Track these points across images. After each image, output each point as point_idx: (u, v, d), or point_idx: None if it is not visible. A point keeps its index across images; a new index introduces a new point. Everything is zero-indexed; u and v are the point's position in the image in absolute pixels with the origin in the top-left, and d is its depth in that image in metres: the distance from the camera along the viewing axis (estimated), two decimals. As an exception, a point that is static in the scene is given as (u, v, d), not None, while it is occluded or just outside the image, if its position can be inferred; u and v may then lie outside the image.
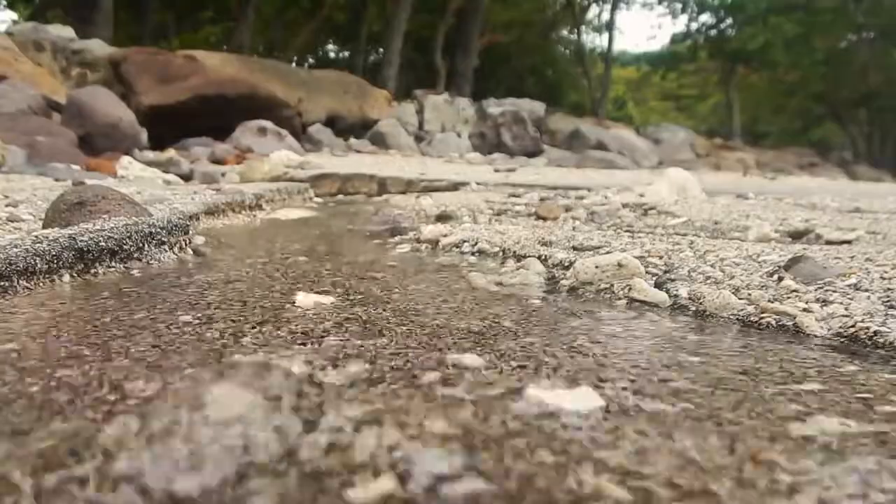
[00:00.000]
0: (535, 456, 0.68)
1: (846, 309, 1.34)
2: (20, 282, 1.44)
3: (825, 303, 1.39)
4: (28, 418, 0.74)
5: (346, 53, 30.06)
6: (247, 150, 9.72)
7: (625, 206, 4.14)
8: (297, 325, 1.21)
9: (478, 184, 6.66)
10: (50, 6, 21.53)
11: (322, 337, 1.13)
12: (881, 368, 1.06)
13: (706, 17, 32.41)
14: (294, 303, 1.41)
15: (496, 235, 2.44)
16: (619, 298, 1.56)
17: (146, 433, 0.69)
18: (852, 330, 1.24)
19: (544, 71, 32.65)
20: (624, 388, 0.91)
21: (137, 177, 5.55)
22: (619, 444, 0.72)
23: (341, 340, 1.12)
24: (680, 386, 0.93)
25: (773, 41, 28.27)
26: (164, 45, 19.93)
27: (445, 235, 2.47)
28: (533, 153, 15.97)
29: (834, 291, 1.45)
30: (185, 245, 2.08)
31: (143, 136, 8.72)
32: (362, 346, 1.08)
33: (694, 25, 33.01)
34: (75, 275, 1.61)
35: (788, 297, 1.44)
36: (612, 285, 1.62)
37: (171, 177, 5.83)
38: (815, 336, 1.25)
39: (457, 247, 2.34)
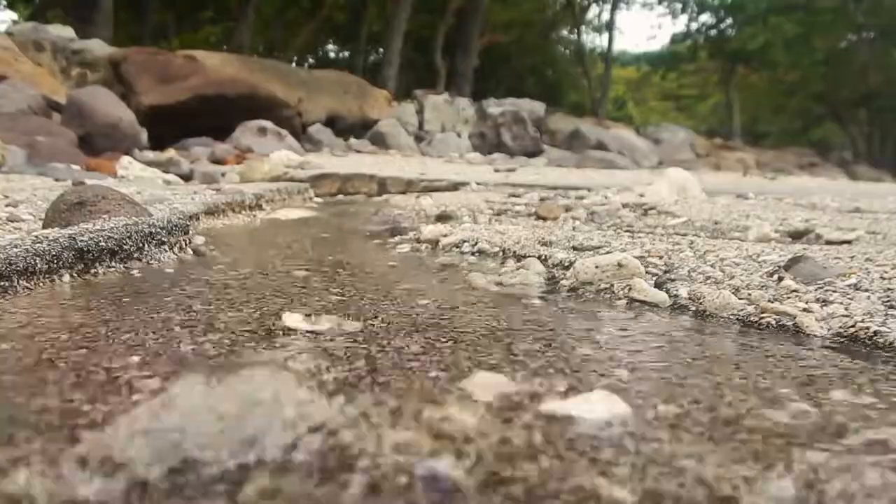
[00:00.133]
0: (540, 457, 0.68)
1: (846, 309, 1.34)
2: (20, 282, 1.44)
3: (825, 303, 1.39)
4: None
5: (346, 53, 30.07)
6: (247, 150, 9.72)
7: (625, 206, 4.14)
8: (292, 336, 1.21)
9: (478, 184, 6.66)
10: (50, 6, 21.53)
11: (319, 336, 1.14)
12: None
13: (706, 17, 32.44)
14: (285, 319, 1.41)
15: (496, 235, 2.44)
16: (619, 298, 1.56)
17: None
18: (852, 330, 1.24)
19: (544, 71, 32.64)
20: (623, 388, 0.91)
21: (137, 177, 5.55)
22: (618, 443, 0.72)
23: (341, 340, 1.12)
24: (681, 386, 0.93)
25: (773, 41, 28.25)
26: (164, 45, 19.93)
27: (445, 235, 2.47)
28: (533, 153, 15.97)
29: (834, 291, 1.45)
30: (185, 245, 2.08)
31: (143, 136, 8.71)
32: (362, 346, 1.08)
33: (694, 25, 33.04)
34: (75, 275, 1.61)
35: (788, 297, 1.44)
36: (612, 285, 1.62)
37: (171, 177, 5.82)
38: (815, 336, 1.25)
39: (457, 247, 2.34)
